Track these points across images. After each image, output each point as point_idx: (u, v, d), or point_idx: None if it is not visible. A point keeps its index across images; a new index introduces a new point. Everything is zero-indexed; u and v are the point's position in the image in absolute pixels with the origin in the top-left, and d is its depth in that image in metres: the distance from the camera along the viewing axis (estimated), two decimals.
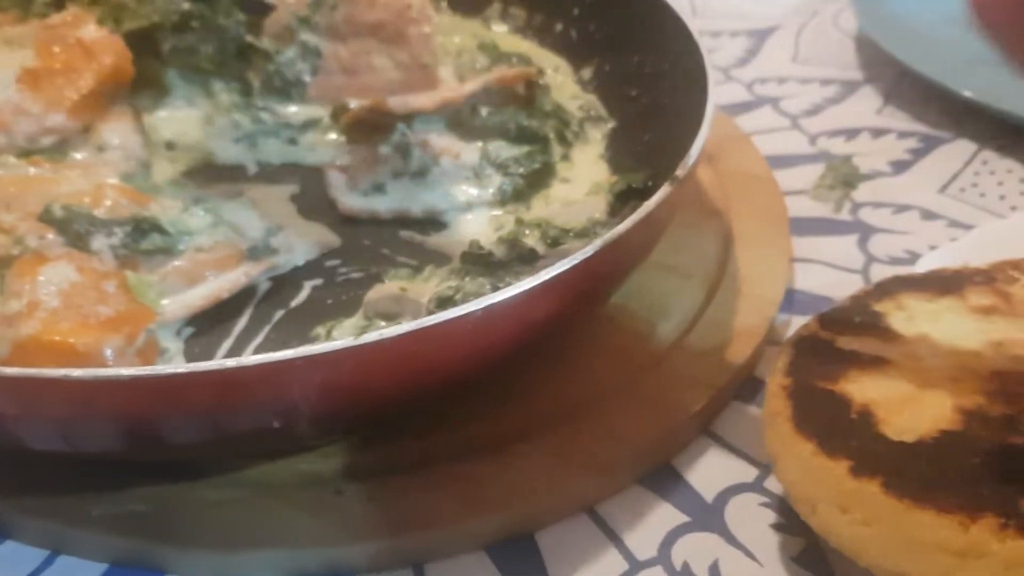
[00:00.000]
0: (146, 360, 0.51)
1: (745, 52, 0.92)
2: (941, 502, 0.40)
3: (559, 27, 0.77)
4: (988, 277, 0.54)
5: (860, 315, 0.51)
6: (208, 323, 0.56)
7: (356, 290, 0.57)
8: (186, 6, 0.67)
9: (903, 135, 0.79)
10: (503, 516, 0.48)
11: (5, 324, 0.49)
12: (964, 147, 0.78)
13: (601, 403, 0.53)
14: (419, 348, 0.43)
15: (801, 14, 0.98)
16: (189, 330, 0.55)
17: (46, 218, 0.54)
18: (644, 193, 0.55)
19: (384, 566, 0.47)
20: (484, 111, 0.65)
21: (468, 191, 0.64)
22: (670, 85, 0.66)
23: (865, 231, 0.69)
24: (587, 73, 0.74)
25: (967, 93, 0.77)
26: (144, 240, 0.55)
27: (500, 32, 0.79)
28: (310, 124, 0.69)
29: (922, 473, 0.42)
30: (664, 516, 0.50)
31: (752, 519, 0.50)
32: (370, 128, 0.64)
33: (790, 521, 0.49)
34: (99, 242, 0.55)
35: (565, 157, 0.67)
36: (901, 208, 0.71)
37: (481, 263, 0.56)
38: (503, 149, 0.65)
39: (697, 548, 0.49)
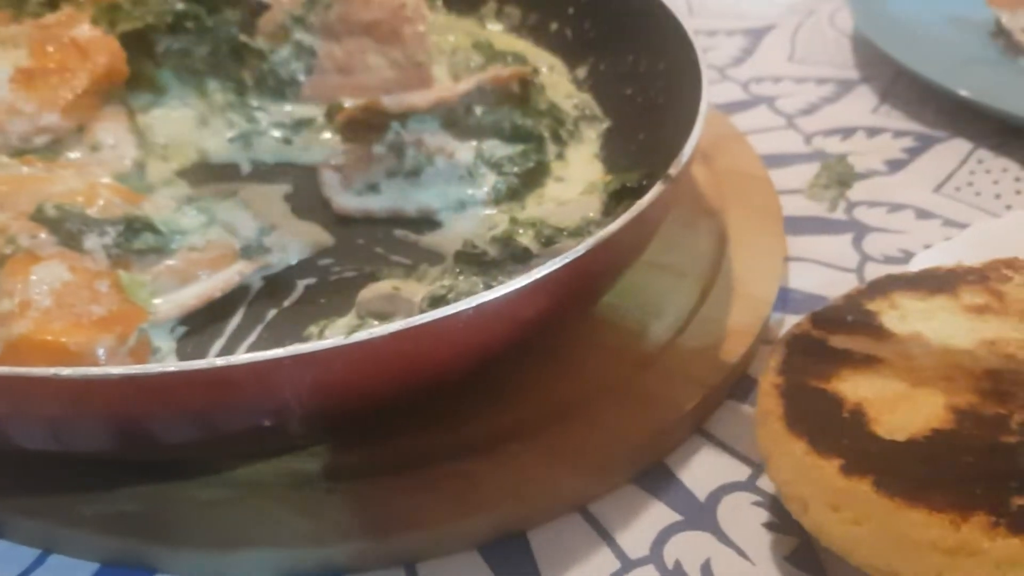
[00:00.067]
0: (139, 359, 0.51)
1: (741, 51, 0.92)
2: (933, 501, 0.40)
3: (554, 26, 0.77)
4: (981, 276, 0.54)
5: (853, 314, 0.51)
6: (201, 322, 0.56)
7: (350, 289, 0.57)
8: (180, 7, 0.67)
9: (899, 134, 0.79)
10: (495, 515, 0.48)
11: None
12: (960, 146, 0.78)
13: (594, 402, 0.53)
14: (410, 347, 0.43)
15: (797, 13, 0.98)
16: (182, 329, 0.55)
17: (39, 217, 0.54)
18: (638, 192, 0.55)
19: (376, 566, 0.47)
20: (479, 110, 0.65)
21: (462, 190, 0.64)
22: (665, 84, 0.65)
23: (860, 230, 0.69)
24: (582, 72, 0.74)
25: (963, 92, 0.77)
26: (137, 239, 0.55)
27: (495, 31, 0.79)
28: (304, 123, 0.69)
29: (914, 472, 0.42)
30: (656, 515, 0.50)
31: (745, 518, 0.50)
32: (364, 127, 0.64)
33: (782, 520, 0.49)
34: (92, 241, 0.54)
35: (560, 156, 0.67)
36: (896, 207, 0.71)
37: (475, 262, 0.56)
38: (497, 148, 0.65)
39: (689, 547, 0.49)
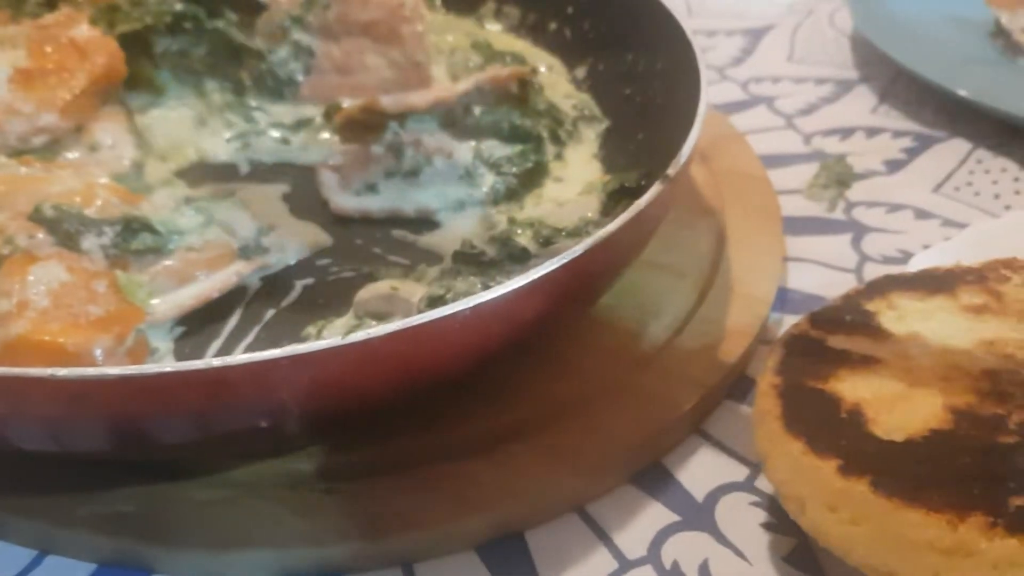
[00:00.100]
0: (136, 360, 0.51)
1: (740, 51, 0.92)
2: (930, 501, 0.40)
3: (553, 26, 0.77)
4: (980, 276, 0.54)
5: (851, 314, 0.51)
6: (199, 323, 0.56)
7: (348, 290, 0.57)
8: (179, 7, 0.67)
9: (898, 134, 0.79)
10: (493, 516, 0.48)
11: None
12: (959, 146, 0.77)
13: (592, 402, 0.53)
14: (407, 348, 0.43)
15: (797, 13, 0.98)
16: (180, 330, 0.55)
17: (36, 217, 0.54)
18: (637, 192, 0.55)
19: (373, 566, 0.47)
20: (477, 110, 0.65)
21: (461, 190, 0.64)
22: (664, 84, 0.65)
23: (859, 230, 0.69)
24: (581, 72, 0.74)
25: (962, 92, 0.77)
26: (135, 240, 0.55)
27: (494, 31, 0.79)
28: (303, 123, 0.69)
29: (911, 472, 0.42)
30: (654, 515, 0.50)
31: (742, 518, 0.50)
32: (363, 127, 0.64)
33: (780, 520, 0.49)
34: (89, 242, 0.54)
35: (558, 156, 0.67)
36: (895, 207, 0.71)
37: (473, 262, 0.56)
38: (496, 148, 0.65)
39: (687, 547, 0.49)
